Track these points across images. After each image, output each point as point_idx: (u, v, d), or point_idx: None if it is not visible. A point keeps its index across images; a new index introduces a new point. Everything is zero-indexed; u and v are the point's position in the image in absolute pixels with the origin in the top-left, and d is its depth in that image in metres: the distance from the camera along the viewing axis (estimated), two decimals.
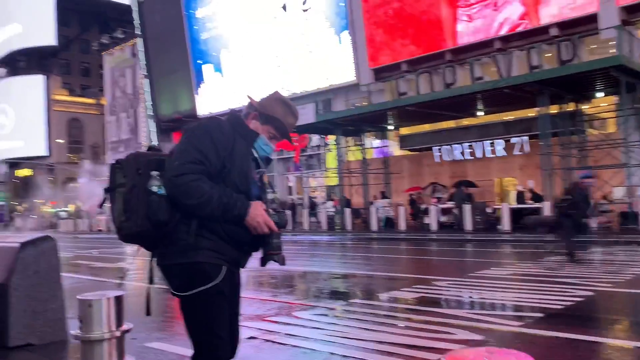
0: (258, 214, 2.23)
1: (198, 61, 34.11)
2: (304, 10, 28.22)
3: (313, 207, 25.75)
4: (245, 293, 7.54)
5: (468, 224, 18.15)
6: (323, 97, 26.34)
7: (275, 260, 2.33)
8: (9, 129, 52.17)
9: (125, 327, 2.08)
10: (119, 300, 2.06)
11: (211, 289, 2.21)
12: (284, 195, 29.71)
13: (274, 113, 2.39)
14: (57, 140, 50.63)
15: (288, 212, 24.43)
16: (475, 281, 8.00)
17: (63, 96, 52.32)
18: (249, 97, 2.50)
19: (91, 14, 55.13)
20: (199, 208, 2.17)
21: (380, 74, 25.37)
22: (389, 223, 21.78)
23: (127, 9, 41.50)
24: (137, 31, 39.20)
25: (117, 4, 48.90)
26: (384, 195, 22.80)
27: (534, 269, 9.28)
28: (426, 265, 11.32)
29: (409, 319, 5.55)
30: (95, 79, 55.12)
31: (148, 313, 2.30)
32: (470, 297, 7.02)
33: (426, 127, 24.52)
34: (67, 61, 56.45)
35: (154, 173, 2.19)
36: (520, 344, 4.49)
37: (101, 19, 54.89)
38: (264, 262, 2.35)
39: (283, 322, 5.58)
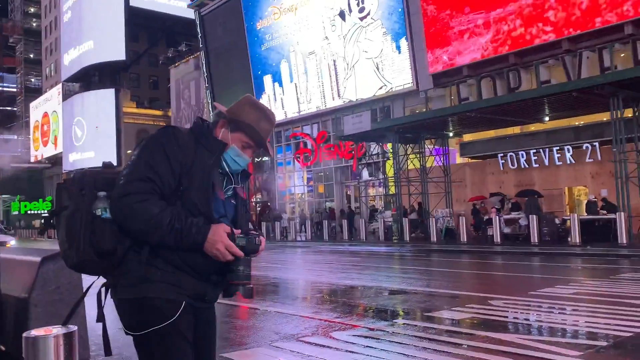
0: (217, 240, 1.88)
1: (258, 72, 34.54)
2: (361, 19, 27.89)
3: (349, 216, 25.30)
4: (287, 309, 7.35)
5: (534, 236, 17.12)
6: (381, 104, 25.85)
7: (239, 292, 1.96)
8: (82, 141, 55.01)
9: None
10: (69, 337, 1.79)
11: (166, 329, 1.88)
12: (341, 205, 29.39)
13: (245, 119, 2.05)
14: (128, 152, 52.90)
15: (342, 223, 24.10)
16: (535, 300, 7.34)
17: (132, 108, 54.60)
18: (216, 105, 2.17)
19: (158, 29, 57.31)
20: (146, 234, 1.86)
21: (440, 79, 24.58)
22: (450, 234, 20.99)
23: (191, 22, 42.72)
24: (200, 44, 40.27)
25: (182, 19, 50.49)
26: (419, 206, 22.15)
27: (604, 287, 8.44)
28: (485, 281, 10.62)
29: (454, 344, 5.04)
30: (163, 91, 57.23)
31: (107, 353, 2.01)
32: (527, 319, 6.40)
33: (489, 134, 23.52)
34: (136, 75, 58.99)
35: (101, 194, 1.90)
36: None
37: (168, 33, 56.97)
38: (226, 293, 2.00)
39: (317, 344, 5.23)
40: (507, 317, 6.49)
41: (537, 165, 21.04)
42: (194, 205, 1.92)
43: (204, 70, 39.90)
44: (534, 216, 17.27)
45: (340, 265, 14.49)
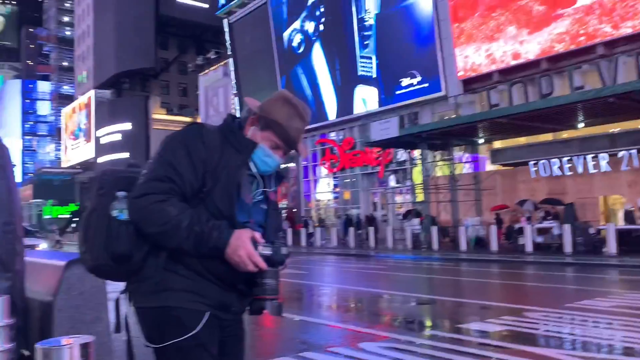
0: (240, 246, 1.71)
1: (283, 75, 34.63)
2: None
3: (370, 222, 25.11)
4: (313, 317, 7.19)
5: (568, 246, 16.60)
6: (408, 110, 25.57)
7: (266, 308, 1.77)
8: (114, 146, 56.05)
9: None
10: (85, 348, 1.67)
11: (187, 342, 1.73)
12: (367, 211, 29.15)
13: (275, 116, 1.87)
14: None
15: (369, 229, 23.84)
16: (573, 313, 7.02)
17: (162, 115, 55.40)
18: (247, 100, 1.99)
19: (188, 37, 58.24)
20: (164, 238, 1.72)
21: (470, 85, 24.21)
22: (480, 243, 20.53)
23: (220, 30, 43.23)
24: (229, 52, 40.65)
25: (211, 26, 51.24)
26: (417, 214, 21.97)
27: None
28: (517, 292, 10.28)
29: (489, 359, 4.81)
30: (192, 98, 57.90)
31: None
32: (565, 333, 6.10)
33: (521, 141, 23.01)
34: (166, 82, 59.83)
35: (120, 194, 1.77)
36: None
37: (197, 41, 57.77)
38: (252, 309, 1.81)
39: (345, 355, 5.06)
40: (543, 330, 6.20)
41: (571, 173, 20.46)
42: (217, 209, 1.77)
43: (232, 77, 40.25)
44: (568, 225, 16.75)
45: (366, 273, 14.27)
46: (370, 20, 28.50)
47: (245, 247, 1.72)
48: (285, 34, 34.35)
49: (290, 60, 34.16)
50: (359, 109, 29.41)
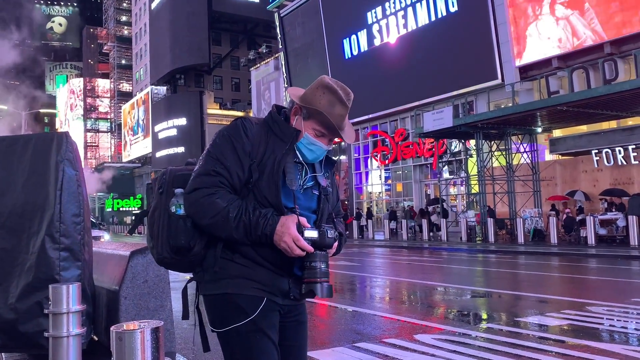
0: (284, 232, 1.77)
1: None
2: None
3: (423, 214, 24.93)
4: (367, 308, 7.20)
5: (634, 238, 15.86)
6: (463, 99, 25.00)
7: (314, 291, 1.80)
8: (176, 139, 57.81)
9: None
10: (155, 332, 1.74)
11: (246, 327, 1.81)
12: (420, 203, 28.78)
13: (316, 105, 1.87)
14: None
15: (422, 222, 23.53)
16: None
17: (216, 109, 56.63)
18: (290, 91, 2.01)
19: (239, 32, 59.14)
20: (216, 229, 1.81)
21: (528, 72, 23.41)
22: (538, 235, 19.92)
23: (271, 24, 43.67)
24: (280, 45, 40.95)
25: (262, 21, 51.82)
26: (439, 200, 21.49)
27: None
28: (580, 285, 9.92)
29: (550, 353, 4.68)
30: (244, 92, 58.83)
31: (205, 349, 1.96)
32: (633, 329, 5.85)
33: (582, 129, 22.10)
34: (219, 77, 61.05)
35: (177, 191, 1.88)
36: None
37: (248, 36, 58.57)
38: (303, 292, 1.85)
39: (400, 346, 5.04)
40: (607, 325, 5.97)
41: (637, 162, 19.51)
42: (264, 197, 1.85)
43: (284, 70, 40.55)
44: (635, 217, 15.98)
45: (420, 265, 14.14)
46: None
47: (290, 232, 1.77)
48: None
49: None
50: None
